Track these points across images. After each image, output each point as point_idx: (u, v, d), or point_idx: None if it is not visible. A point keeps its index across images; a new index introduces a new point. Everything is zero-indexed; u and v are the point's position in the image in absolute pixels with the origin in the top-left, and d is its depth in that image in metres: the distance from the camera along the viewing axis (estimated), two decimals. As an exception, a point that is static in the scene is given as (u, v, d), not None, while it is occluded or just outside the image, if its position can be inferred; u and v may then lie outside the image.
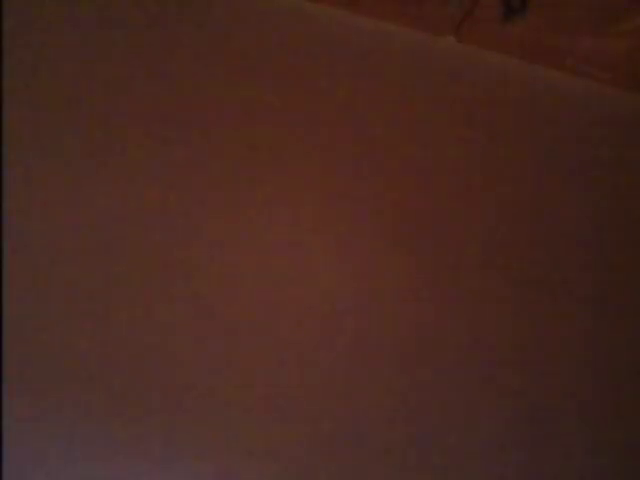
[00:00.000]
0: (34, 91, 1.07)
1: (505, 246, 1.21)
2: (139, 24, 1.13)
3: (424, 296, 1.15)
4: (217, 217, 1.10)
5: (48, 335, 1.00)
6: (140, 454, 1.00)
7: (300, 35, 1.20)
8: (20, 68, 1.07)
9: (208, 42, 1.16)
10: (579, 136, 1.29)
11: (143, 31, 1.13)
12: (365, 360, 1.11)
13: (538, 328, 1.19)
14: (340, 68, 1.20)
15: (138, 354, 1.03)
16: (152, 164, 1.09)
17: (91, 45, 1.11)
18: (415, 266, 1.16)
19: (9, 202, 1.03)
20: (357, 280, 1.13)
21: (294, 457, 1.05)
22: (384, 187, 1.18)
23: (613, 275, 1.25)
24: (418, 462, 1.09)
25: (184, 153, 1.11)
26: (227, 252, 1.09)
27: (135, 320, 1.04)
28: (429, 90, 1.24)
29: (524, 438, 1.14)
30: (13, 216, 1.02)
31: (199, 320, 1.06)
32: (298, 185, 1.15)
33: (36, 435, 0.97)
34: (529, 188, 1.24)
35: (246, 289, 1.09)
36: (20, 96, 1.06)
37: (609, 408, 1.19)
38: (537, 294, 1.20)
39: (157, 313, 1.05)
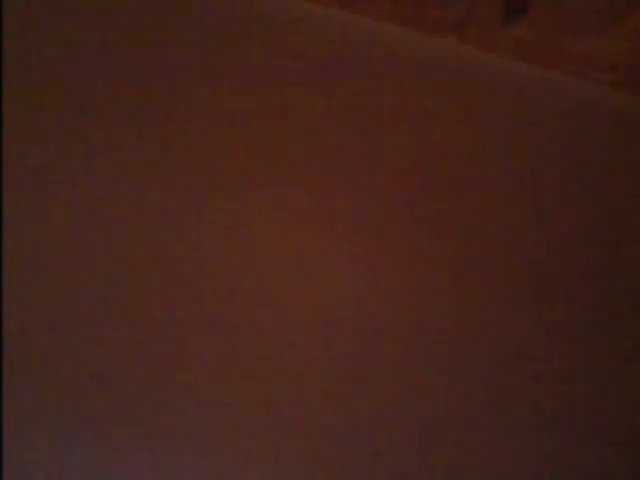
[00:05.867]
0: (34, 91, 1.07)
1: (506, 245, 1.21)
2: (139, 24, 1.13)
3: (425, 296, 1.15)
4: (217, 217, 1.10)
5: (48, 335, 1.00)
6: (140, 455, 1.00)
7: (299, 35, 1.20)
8: (20, 68, 1.07)
9: (208, 42, 1.15)
10: (579, 137, 1.29)
11: (143, 31, 1.13)
12: (365, 360, 1.11)
13: (539, 327, 1.19)
14: (340, 68, 1.20)
15: (138, 354, 1.03)
16: (152, 164, 1.10)
17: (91, 45, 1.11)
18: (415, 266, 1.16)
19: (9, 202, 1.03)
20: (357, 280, 1.13)
21: (294, 457, 1.05)
22: (384, 187, 1.18)
23: (614, 275, 1.25)
24: (419, 463, 1.10)
25: (184, 153, 1.11)
26: (227, 252, 1.09)
27: (135, 320, 1.04)
28: (429, 91, 1.24)
29: (525, 437, 1.15)
30: (13, 216, 1.02)
31: (199, 321, 1.06)
32: (298, 185, 1.15)
33: (36, 435, 0.97)
34: (529, 188, 1.24)
35: (246, 289, 1.09)
36: (20, 96, 1.06)
37: (610, 408, 1.19)
38: (537, 293, 1.20)
39: (157, 313, 1.05)
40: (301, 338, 1.09)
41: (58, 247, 1.03)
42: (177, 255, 1.07)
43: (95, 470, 0.98)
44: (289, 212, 1.13)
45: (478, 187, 1.22)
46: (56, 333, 1.01)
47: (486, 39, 1.24)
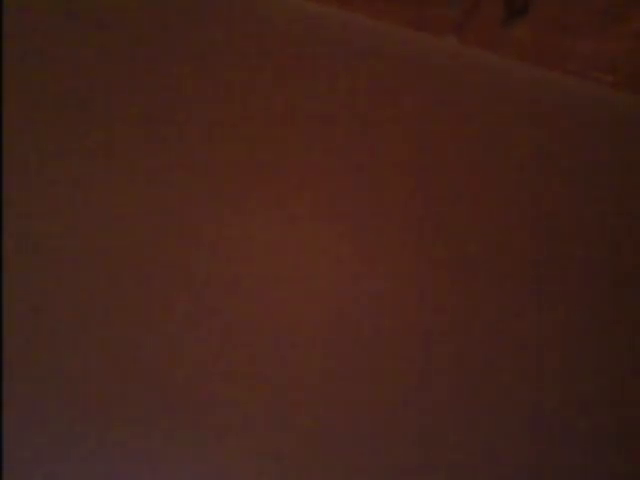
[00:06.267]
0: (34, 91, 1.07)
1: (505, 246, 1.21)
2: (139, 24, 1.13)
3: (424, 296, 1.15)
4: (218, 217, 1.10)
5: (48, 335, 1.00)
6: (140, 454, 1.00)
7: (299, 35, 1.20)
8: (20, 68, 1.07)
9: (208, 42, 1.15)
10: (580, 138, 1.28)
11: (143, 31, 1.13)
12: (365, 360, 1.11)
13: (539, 327, 1.19)
14: (340, 68, 1.20)
15: (138, 354, 1.03)
16: (152, 164, 1.09)
17: (91, 45, 1.11)
18: (415, 266, 1.16)
19: (9, 203, 1.03)
20: (358, 280, 1.13)
21: (294, 457, 1.05)
22: (384, 187, 1.18)
23: (614, 275, 1.25)
24: (419, 463, 1.10)
25: (184, 153, 1.11)
26: (228, 252, 1.09)
27: (135, 320, 1.04)
28: (429, 90, 1.23)
29: (524, 438, 1.15)
30: (13, 217, 1.02)
31: (199, 320, 1.06)
32: (298, 185, 1.15)
33: (36, 435, 0.97)
34: (530, 189, 1.24)
35: (246, 289, 1.09)
36: (20, 96, 1.06)
37: (610, 409, 1.19)
38: (538, 293, 1.20)
39: (157, 313, 1.05)
40: (301, 338, 1.09)
41: (58, 247, 1.03)
42: (177, 255, 1.07)
43: (95, 470, 0.98)
44: (289, 212, 1.13)
45: (478, 187, 1.22)
46: (56, 333, 1.01)
47: (487, 39, 1.24)
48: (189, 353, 1.05)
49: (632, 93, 1.31)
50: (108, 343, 1.02)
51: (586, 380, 1.19)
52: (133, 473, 0.99)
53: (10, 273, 1.01)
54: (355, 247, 1.15)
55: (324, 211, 1.15)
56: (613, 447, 1.18)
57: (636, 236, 1.27)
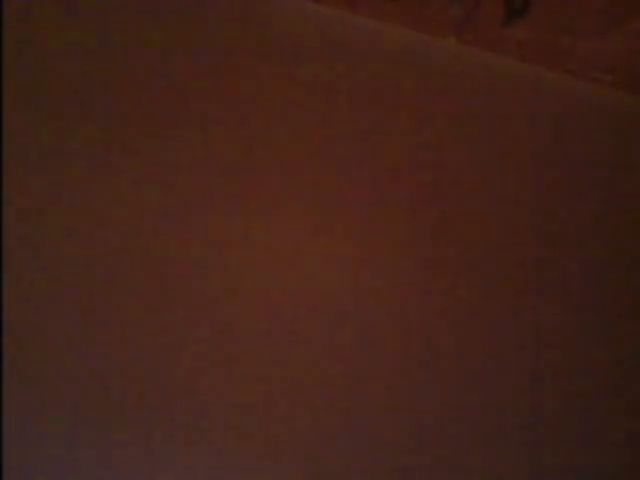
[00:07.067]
0: (34, 91, 1.07)
1: (505, 246, 1.21)
2: (139, 24, 1.13)
3: (424, 296, 1.15)
4: (217, 217, 1.10)
5: (48, 336, 1.00)
6: (140, 454, 1.00)
7: (300, 35, 1.20)
8: (20, 68, 1.07)
9: (208, 42, 1.15)
10: (579, 137, 1.29)
11: (143, 31, 1.13)
12: (365, 359, 1.11)
13: (538, 327, 1.19)
14: (341, 68, 1.20)
15: (137, 354, 1.03)
16: (152, 164, 1.09)
17: (91, 45, 1.11)
18: (415, 266, 1.16)
19: (9, 203, 1.03)
20: (357, 279, 1.13)
21: (294, 457, 1.05)
22: (384, 187, 1.18)
23: (614, 274, 1.25)
24: (418, 459, 1.10)
25: (184, 154, 1.11)
26: (227, 252, 1.09)
27: (134, 320, 1.04)
28: (430, 90, 1.23)
29: (524, 437, 1.15)
30: (13, 217, 1.02)
31: (199, 320, 1.06)
32: (298, 185, 1.15)
33: (36, 435, 0.97)
34: (529, 189, 1.24)
35: (245, 289, 1.09)
36: (20, 96, 1.06)
37: (610, 408, 1.19)
38: (537, 293, 1.20)
39: (156, 313, 1.05)
40: (301, 338, 1.09)
41: (58, 247, 1.03)
42: (176, 255, 1.07)
43: (95, 470, 0.98)
44: (288, 212, 1.13)
45: (478, 187, 1.22)
46: (56, 333, 1.00)
47: (486, 40, 1.24)
48: (188, 354, 1.05)
49: (631, 93, 1.31)
50: (107, 344, 1.02)
51: (586, 380, 1.19)
52: (133, 473, 0.99)
53: (10, 273, 1.01)
54: (355, 247, 1.15)
55: (324, 212, 1.15)
56: (613, 447, 1.18)
57: (636, 236, 1.27)
